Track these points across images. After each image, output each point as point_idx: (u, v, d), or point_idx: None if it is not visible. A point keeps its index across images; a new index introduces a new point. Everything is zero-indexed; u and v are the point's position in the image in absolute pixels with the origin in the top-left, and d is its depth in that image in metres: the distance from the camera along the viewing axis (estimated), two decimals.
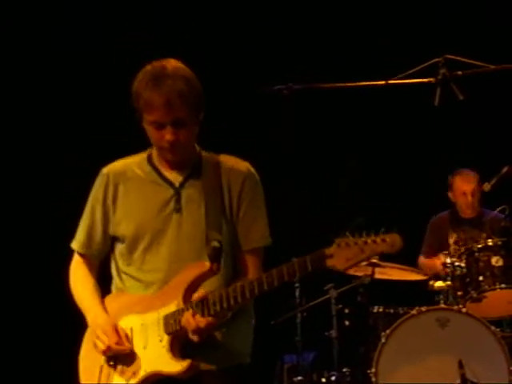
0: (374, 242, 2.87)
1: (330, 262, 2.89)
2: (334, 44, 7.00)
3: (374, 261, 5.55)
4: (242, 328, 3.27)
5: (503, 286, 5.45)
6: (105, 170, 3.36)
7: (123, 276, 3.30)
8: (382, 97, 4.09)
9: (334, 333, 6.00)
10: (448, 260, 5.63)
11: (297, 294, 6.00)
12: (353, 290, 5.83)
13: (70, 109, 6.81)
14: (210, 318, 3.02)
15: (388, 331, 5.21)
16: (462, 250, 5.74)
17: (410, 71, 3.53)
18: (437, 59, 3.51)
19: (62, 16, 6.71)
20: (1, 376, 6.50)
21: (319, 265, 2.91)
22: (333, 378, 5.94)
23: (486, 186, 5.51)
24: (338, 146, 7.33)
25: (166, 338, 3.11)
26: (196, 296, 3.07)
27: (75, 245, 3.41)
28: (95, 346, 3.21)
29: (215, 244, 3.15)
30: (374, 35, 7.01)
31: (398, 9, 7.00)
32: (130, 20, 6.82)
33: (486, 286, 5.47)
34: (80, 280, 3.38)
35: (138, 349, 3.18)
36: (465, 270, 5.55)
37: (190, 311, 3.04)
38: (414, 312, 5.25)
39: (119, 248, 3.31)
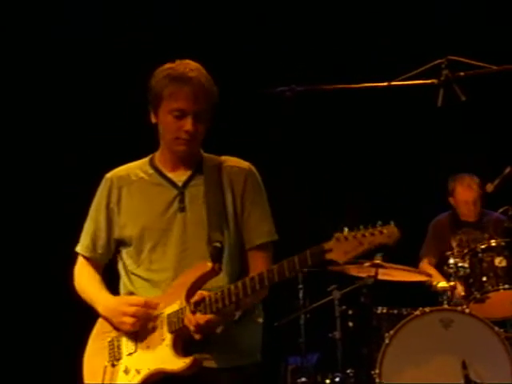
0: (372, 234, 2.91)
1: (329, 256, 2.93)
2: (336, 45, 7.00)
3: (378, 262, 5.55)
4: (250, 327, 3.29)
5: (506, 286, 5.45)
6: (108, 175, 3.43)
7: (132, 277, 3.33)
8: (385, 98, 4.10)
9: (337, 334, 6.00)
10: (451, 260, 5.63)
11: (300, 295, 6.01)
12: (356, 291, 5.82)
13: (74, 110, 6.81)
14: (210, 316, 3.04)
15: (392, 332, 5.22)
16: (466, 250, 5.75)
17: (413, 72, 3.54)
18: (439, 60, 3.51)
19: (62, 16, 6.72)
20: (2, 376, 6.50)
21: (319, 259, 2.95)
22: (337, 379, 5.95)
23: (489, 187, 5.51)
24: (340, 147, 7.34)
25: (168, 336, 3.14)
26: (196, 295, 3.10)
27: (80, 248, 3.45)
28: (120, 325, 3.22)
29: (217, 244, 3.20)
30: (376, 37, 7.01)
31: (400, 10, 7.00)
32: (130, 21, 6.82)
33: (490, 287, 5.47)
34: (86, 277, 3.42)
35: (141, 348, 3.21)
36: (468, 271, 5.56)
37: (190, 308, 3.07)
38: (417, 313, 5.25)
39: (126, 250, 3.34)
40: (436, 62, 3.52)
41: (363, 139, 7.33)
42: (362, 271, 5.68)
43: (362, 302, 5.82)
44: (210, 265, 3.15)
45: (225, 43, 6.81)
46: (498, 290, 5.46)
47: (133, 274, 3.32)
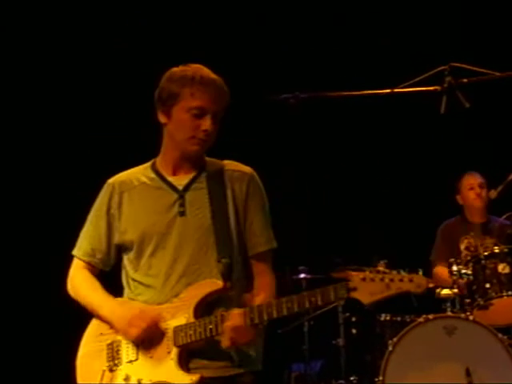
0: (401, 280, 2.94)
1: (353, 295, 2.93)
2: (339, 53, 7.01)
3: (381, 269, 5.54)
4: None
5: (510, 293, 5.43)
6: (110, 181, 3.41)
7: (133, 284, 3.30)
8: (388, 105, 4.10)
9: (341, 341, 6.01)
10: (455, 267, 5.62)
11: None
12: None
13: (75, 114, 6.81)
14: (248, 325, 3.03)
15: (395, 339, 5.20)
16: (469, 257, 5.74)
17: (416, 79, 3.55)
18: (442, 67, 3.52)
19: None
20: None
21: (342, 296, 2.96)
22: None
23: (493, 194, 5.50)
24: (343, 153, 7.34)
25: (174, 350, 3.12)
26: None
27: (77, 252, 3.41)
28: (125, 334, 3.19)
29: (226, 261, 3.19)
30: (379, 44, 7.02)
31: (403, 17, 7.01)
32: (133, 28, 6.82)
33: (493, 294, 5.46)
34: (85, 280, 3.37)
35: (144, 358, 3.18)
36: (471, 278, 5.55)
37: (235, 313, 3.04)
38: (421, 320, 5.24)
39: (127, 255, 3.32)
40: (439, 69, 3.53)
41: (366, 145, 7.34)
42: None
43: (365, 309, 5.82)
44: (220, 283, 3.14)
45: (228, 49, 6.81)
46: (502, 296, 5.44)
47: (132, 279, 3.30)
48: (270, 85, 5.82)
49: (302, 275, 6.25)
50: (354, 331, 6.05)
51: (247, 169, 3.37)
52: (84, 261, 3.39)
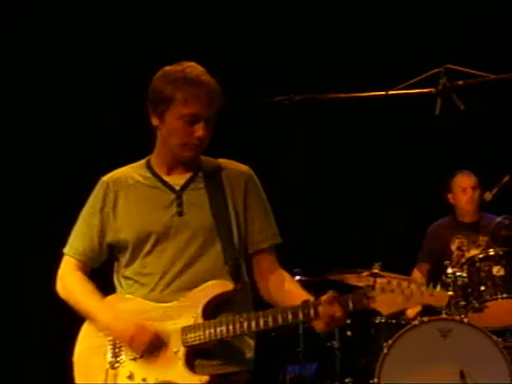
0: (422, 294, 2.93)
1: (372, 305, 2.95)
2: (334, 54, 7.00)
3: (376, 271, 5.55)
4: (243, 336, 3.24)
5: (505, 295, 5.45)
6: (105, 178, 3.37)
7: (125, 281, 3.28)
8: (383, 107, 4.10)
9: (336, 343, 6.00)
10: (449, 270, 5.63)
11: None
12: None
13: (65, 112, 6.79)
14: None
15: (390, 342, 5.20)
16: (463, 260, 5.74)
17: (411, 81, 3.54)
18: (437, 69, 3.52)
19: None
20: None
21: (361, 305, 2.98)
22: None
23: (488, 196, 5.50)
24: (337, 155, 7.34)
25: (182, 349, 3.10)
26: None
27: (69, 250, 3.37)
28: (130, 346, 3.14)
29: (234, 261, 3.19)
30: (373, 46, 7.02)
31: (398, 19, 7.01)
32: (130, 31, 6.82)
33: (488, 296, 5.46)
34: (78, 281, 3.32)
35: (148, 355, 3.14)
36: (466, 280, 5.55)
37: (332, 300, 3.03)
38: (415, 322, 5.24)
39: (121, 254, 3.30)
40: (434, 71, 3.53)
41: (360, 147, 7.34)
42: (361, 280, 5.67)
43: (360, 312, 5.81)
44: (231, 285, 3.14)
45: (223, 50, 6.80)
46: (497, 299, 5.45)
47: (126, 277, 3.27)
48: (264, 86, 5.81)
49: (298, 277, 6.24)
50: (349, 333, 6.04)
51: (244, 167, 3.37)
52: (75, 259, 3.35)
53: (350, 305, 2.98)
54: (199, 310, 3.11)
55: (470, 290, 5.53)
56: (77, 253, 3.35)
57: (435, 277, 6.11)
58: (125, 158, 3.46)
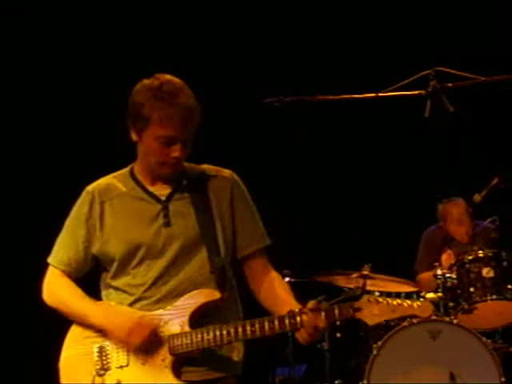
0: (407, 305, 3.00)
1: (358, 315, 3.02)
2: (324, 56, 7.01)
3: (366, 272, 5.55)
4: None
5: (494, 297, 5.46)
6: (89, 188, 3.34)
7: (116, 291, 3.26)
8: (373, 109, 4.10)
9: (325, 345, 6.00)
10: (439, 271, 5.63)
11: None
12: (344, 302, 5.80)
13: (51, 115, 6.78)
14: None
15: (379, 343, 5.20)
16: (453, 261, 5.75)
17: (401, 83, 3.55)
18: (427, 71, 3.52)
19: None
20: None
21: (346, 316, 3.04)
22: None
23: (476, 198, 5.51)
24: (328, 157, 7.35)
25: (169, 358, 3.11)
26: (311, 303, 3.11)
27: (53, 261, 3.35)
28: (125, 342, 3.14)
29: (219, 270, 3.18)
30: (364, 48, 7.03)
31: (388, 22, 7.02)
32: (123, 34, 6.80)
33: (477, 298, 5.47)
34: (67, 286, 3.32)
35: (135, 363, 3.15)
36: (456, 282, 5.56)
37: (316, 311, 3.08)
38: (405, 324, 5.24)
39: (108, 265, 3.28)
40: (424, 73, 3.53)
41: (350, 149, 7.35)
42: (350, 282, 5.67)
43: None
44: (218, 294, 3.15)
45: (215, 53, 6.80)
46: (486, 300, 5.46)
47: (115, 287, 3.26)
48: (254, 88, 5.81)
49: (287, 279, 6.23)
50: (338, 335, 6.03)
51: (227, 172, 3.35)
52: (60, 269, 3.33)
53: (336, 314, 3.05)
54: (186, 319, 3.12)
55: (459, 291, 5.54)
56: (61, 263, 3.33)
57: None
58: (110, 166, 3.44)
